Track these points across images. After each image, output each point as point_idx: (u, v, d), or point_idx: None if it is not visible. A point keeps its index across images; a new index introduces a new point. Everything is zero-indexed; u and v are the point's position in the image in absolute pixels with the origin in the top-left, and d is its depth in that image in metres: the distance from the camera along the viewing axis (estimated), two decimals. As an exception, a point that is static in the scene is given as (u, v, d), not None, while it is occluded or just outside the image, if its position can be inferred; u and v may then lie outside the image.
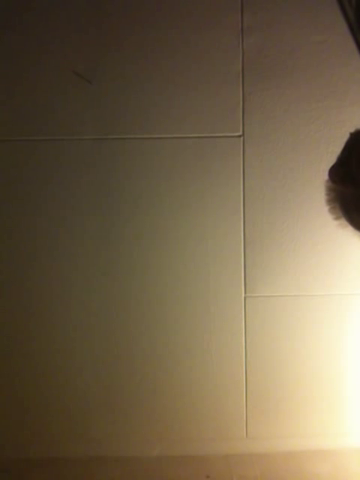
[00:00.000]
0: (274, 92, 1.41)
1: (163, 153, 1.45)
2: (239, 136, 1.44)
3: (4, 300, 1.54)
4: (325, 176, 1.44)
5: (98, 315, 1.55)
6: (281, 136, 1.43)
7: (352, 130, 0.94)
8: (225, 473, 1.57)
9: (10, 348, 1.58)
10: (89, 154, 1.45)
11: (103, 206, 1.48)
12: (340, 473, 1.56)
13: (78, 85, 1.41)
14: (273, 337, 1.56)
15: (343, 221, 0.91)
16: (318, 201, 1.47)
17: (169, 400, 1.61)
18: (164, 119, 1.43)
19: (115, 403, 1.62)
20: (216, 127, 1.43)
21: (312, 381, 1.60)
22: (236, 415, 1.62)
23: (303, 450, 1.62)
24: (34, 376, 1.59)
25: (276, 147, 1.44)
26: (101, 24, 1.39)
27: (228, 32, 1.38)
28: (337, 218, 0.92)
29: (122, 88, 1.41)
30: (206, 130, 1.43)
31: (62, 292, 1.53)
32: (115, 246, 1.51)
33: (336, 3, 1.33)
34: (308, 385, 1.60)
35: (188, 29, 1.38)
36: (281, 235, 1.50)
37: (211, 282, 1.52)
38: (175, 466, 1.59)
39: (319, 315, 1.55)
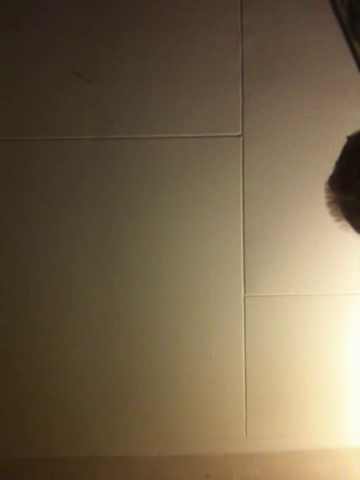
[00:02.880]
0: (274, 92, 1.41)
1: (163, 153, 1.45)
2: (238, 136, 1.44)
3: (4, 300, 1.54)
4: (325, 177, 1.44)
5: (98, 315, 1.55)
6: (280, 136, 1.44)
7: (349, 134, 0.93)
8: (225, 473, 1.57)
9: (10, 348, 1.58)
10: (89, 154, 1.46)
11: (103, 206, 1.49)
12: (340, 473, 1.55)
13: (78, 85, 1.41)
14: (273, 337, 1.56)
15: (345, 223, 0.90)
16: (318, 201, 1.47)
17: (169, 400, 1.61)
18: (164, 119, 1.43)
19: (115, 403, 1.62)
20: (215, 127, 1.43)
21: (312, 381, 1.60)
22: (236, 415, 1.62)
23: (303, 450, 1.62)
24: (34, 376, 1.59)
25: (275, 147, 1.44)
26: (101, 24, 1.39)
27: (228, 32, 1.39)
28: (339, 220, 0.91)
29: (122, 88, 1.42)
30: (206, 130, 1.43)
31: (62, 291, 1.53)
32: (114, 246, 1.51)
33: (327, 1, 1.33)
34: (308, 385, 1.60)
35: (188, 29, 1.39)
36: (281, 235, 1.50)
37: (211, 282, 1.52)
38: (175, 466, 1.59)
39: (319, 315, 1.55)
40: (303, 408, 1.61)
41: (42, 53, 1.40)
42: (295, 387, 1.60)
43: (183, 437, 1.64)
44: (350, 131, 0.95)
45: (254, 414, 1.62)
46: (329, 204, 0.92)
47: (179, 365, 1.58)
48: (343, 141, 0.93)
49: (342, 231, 1.46)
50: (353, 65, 1.40)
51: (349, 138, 0.91)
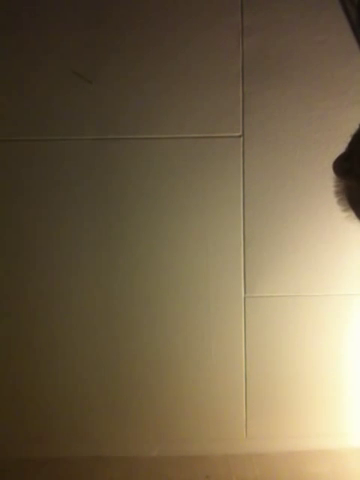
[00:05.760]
0: (274, 92, 1.41)
1: (163, 153, 1.45)
2: (239, 136, 1.44)
3: (4, 300, 1.54)
4: (325, 177, 1.44)
5: (98, 315, 1.55)
6: (281, 136, 1.43)
7: (350, 132, 0.93)
8: (225, 473, 1.57)
9: (10, 348, 1.58)
10: (89, 154, 1.45)
11: (103, 206, 1.48)
12: (340, 473, 1.56)
13: (78, 85, 1.41)
14: (273, 337, 1.56)
15: (351, 213, 0.90)
16: (318, 202, 1.48)
17: (169, 400, 1.61)
18: (164, 119, 1.43)
19: (115, 403, 1.62)
20: (216, 127, 1.43)
21: (312, 381, 1.60)
22: (236, 415, 1.62)
23: (303, 450, 1.62)
24: (34, 376, 1.59)
25: (276, 147, 1.44)
26: (101, 24, 1.39)
27: (228, 32, 1.38)
28: (345, 210, 0.91)
29: (122, 88, 1.41)
30: (206, 130, 1.43)
31: (62, 292, 1.53)
32: (115, 246, 1.51)
33: (337, 2, 1.33)
34: (308, 385, 1.60)
35: (188, 29, 1.38)
36: (281, 235, 1.50)
37: (211, 282, 1.52)
38: (175, 466, 1.59)
39: (319, 315, 1.55)
40: (303, 408, 1.62)
41: (42, 53, 1.40)
42: (295, 387, 1.60)
43: (183, 437, 1.64)
44: (351, 132, 0.95)
45: (254, 414, 1.62)
46: (337, 193, 0.92)
47: (179, 365, 1.58)
48: (346, 138, 0.93)
49: (343, 228, 1.47)
50: (354, 65, 1.40)
51: None
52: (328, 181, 1.42)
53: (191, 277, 1.52)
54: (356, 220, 0.90)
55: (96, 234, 1.50)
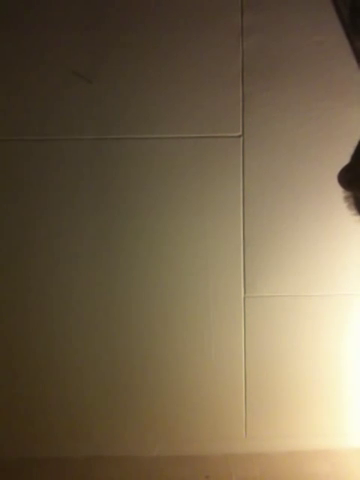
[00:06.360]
0: (274, 92, 1.41)
1: (163, 153, 1.45)
2: (239, 136, 1.44)
3: (4, 300, 1.54)
4: (325, 177, 1.44)
5: (97, 315, 1.55)
6: (281, 136, 1.43)
7: (350, 134, 0.93)
8: (224, 473, 1.57)
9: (10, 348, 1.58)
10: (89, 154, 1.45)
11: (103, 206, 1.48)
12: (340, 473, 1.56)
13: (78, 85, 1.41)
14: (273, 337, 1.56)
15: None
16: (318, 201, 1.48)
17: (168, 400, 1.61)
18: (164, 119, 1.43)
19: (115, 403, 1.62)
20: (216, 127, 1.43)
21: (312, 381, 1.60)
22: (235, 415, 1.62)
23: (303, 450, 1.62)
24: (34, 376, 1.59)
25: (276, 147, 1.44)
26: (101, 24, 1.39)
27: (228, 32, 1.38)
28: (355, 214, 0.91)
29: (122, 88, 1.42)
30: (206, 130, 1.43)
31: (62, 292, 1.53)
32: (115, 246, 1.51)
33: (329, 1, 1.33)
34: (308, 385, 1.60)
35: (188, 29, 1.38)
36: (281, 235, 1.50)
37: (211, 282, 1.52)
38: (174, 466, 1.59)
39: (319, 315, 1.55)
40: (303, 408, 1.61)
41: (42, 53, 1.40)
42: (295, 387, 1.60)
43: (183, 437, 1.64)
44: (351, 132, 0.95)
45: (254, 414, 1.62)
46: (346, 198, 0.92)
47: (179, 365, 1.58)
48: (346, 138, 0.93)
49: (343, 228, 1.47)
50: (354, 65, 1.39)
51: None
52: (328, 181, 1.43)
53: (191, 277, 1.52)
54: None
55: (95, 234, 1.50)
